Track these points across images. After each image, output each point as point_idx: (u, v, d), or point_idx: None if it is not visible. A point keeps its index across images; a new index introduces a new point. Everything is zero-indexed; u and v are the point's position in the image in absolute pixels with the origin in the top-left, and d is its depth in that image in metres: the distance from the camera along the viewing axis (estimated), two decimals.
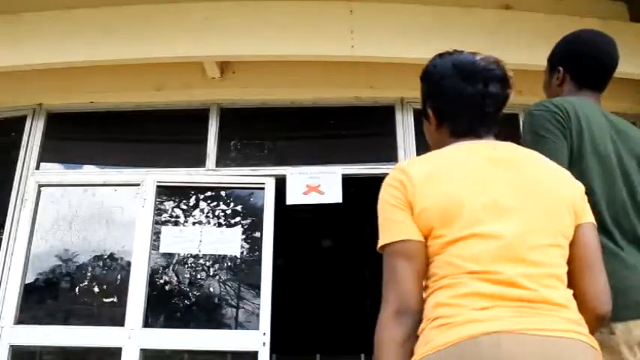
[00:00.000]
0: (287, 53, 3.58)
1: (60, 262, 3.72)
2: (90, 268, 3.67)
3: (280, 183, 3.65)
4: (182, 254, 3.66)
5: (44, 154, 3.91)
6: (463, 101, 1.29)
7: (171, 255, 3.66)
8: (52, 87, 3.96)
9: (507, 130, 4.25)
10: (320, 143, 4.17)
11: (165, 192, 3.78)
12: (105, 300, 3.60)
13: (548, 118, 1.51)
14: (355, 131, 4.03)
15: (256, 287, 3.52)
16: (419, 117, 3.88)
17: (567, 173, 1.29)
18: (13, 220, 3.68)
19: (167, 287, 3.62)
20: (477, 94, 1.27)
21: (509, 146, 1.31)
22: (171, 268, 3.65)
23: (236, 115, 4.01)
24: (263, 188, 3.69)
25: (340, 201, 3.65)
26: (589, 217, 1.24)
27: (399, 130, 3.86)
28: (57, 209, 3.79)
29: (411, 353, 1.08)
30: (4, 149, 4.02)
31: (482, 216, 1.13)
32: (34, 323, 3.52)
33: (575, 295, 1.14)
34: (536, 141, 1.46)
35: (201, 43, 3.55)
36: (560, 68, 1.71)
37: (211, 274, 3.64)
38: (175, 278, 3.64)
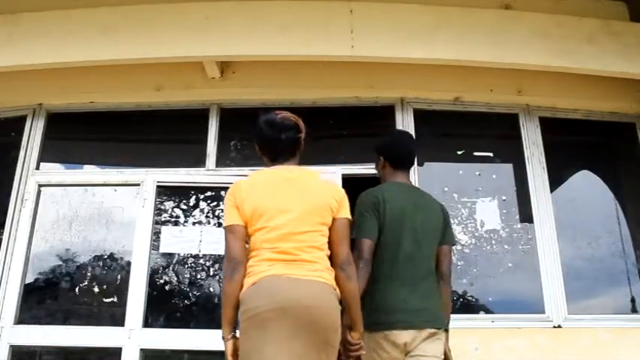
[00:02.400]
0: (287, 53, 3.58)
1: (60, 262, 3.72)
2: (90, 268, 3.67)
3: None
4: (182, 254, 3.66)
5: (44, 154, 3.91)
6: (269, 142, 2.19)
7: (171, 255, 3.66)
8: (52, 87, 3.96)
9: (508, 128, 4.21)
10: (320, 143, 4.16)
11: (165, 192, 3.77)
12: (105, 300, 3.60)
13: (367, 203, 2.36)
14: (355, 131, 4.03)
15: None
16: (419, 117, 3.91)
17: (333, 186, 2.17)
18: (13, 220, 3.69)
19: (167, 287, 3.61)
20: (276, 138, 2.16)
21: (299, 170, 2.17)
22: (171, 268, 3.65)
23: (236, 115, 4.01)
24: None
25: None
26: (343, 214, 2.10)
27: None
28: (57, 209, 3.79)
29: (236, 283, 1.97)
30: (4, 149, 4.01)
31: (273, 215, 2.02)
32: (34, 323, 3.52)
33: (333, 255, 2.05)
34: (359, 215, 2.32)
35: (201, 43, 3.55)
36: (381, 157, 2.56)
37: (211, 274, 3.64)
38: (175, 278, 3.64)
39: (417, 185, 3.62)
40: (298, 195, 2.06)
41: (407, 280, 2.28)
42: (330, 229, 2.07)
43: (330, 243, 2.06)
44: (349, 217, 2.13)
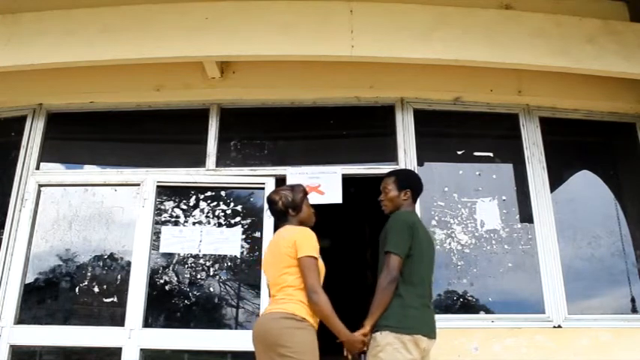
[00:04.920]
0: (287, 53, 3.58)
1: (60, 262, 3.72)
2: (90, 268, 3.67)
3: (280, 183, 3.64)
4: (182, 254, 3.66)
5: (44, 154, 3.91)
6: (270, 212, 2.84)
7: (171, 255, 3.66)
8: (52, 87, 3.96)
9: (508, 128, 4.23)
10: (320, 143, 4.17)
11: (165, 192, 3.78)
12: (105, 300, 3.59)
13: (405, 224, 2.70)
14: (355, 131, 4.03)
15: (256, 287, 3.53)
16: (419, 117, 3.91)
17: (288, 236, 2.63)
18: (13, 220, 3.69)
19: (167, 287, 3.61)
20: (271, 209, 2.81)
21: (281, 230, 2.72)
22: (171, 268, 3.65)
23: (236, 115, 4.01)
24: (263, 188, 3.69)
25: (340, 201, 3.65)
26: (301, 254, 2.56)
27: (399, 130, 3.87)
28: (57, 209, 3.79)
29: None
30: (4, 149, 4.01)
31: (265, 270, 2.75)
32: (34, 323, 3.53)
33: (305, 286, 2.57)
34: (397, 231, 2.67)
35: (201, 43, 3.55)
36: (409, 190, 2.87)
37: (211, 274, 3.64)
38: (175, 278, 3.64)
39: None
40: (270, 251, 2.72)
41: (424, 298, 2.69)
42: (298, 266, 2.58)
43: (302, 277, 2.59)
44: (308, 254, 2.56)
